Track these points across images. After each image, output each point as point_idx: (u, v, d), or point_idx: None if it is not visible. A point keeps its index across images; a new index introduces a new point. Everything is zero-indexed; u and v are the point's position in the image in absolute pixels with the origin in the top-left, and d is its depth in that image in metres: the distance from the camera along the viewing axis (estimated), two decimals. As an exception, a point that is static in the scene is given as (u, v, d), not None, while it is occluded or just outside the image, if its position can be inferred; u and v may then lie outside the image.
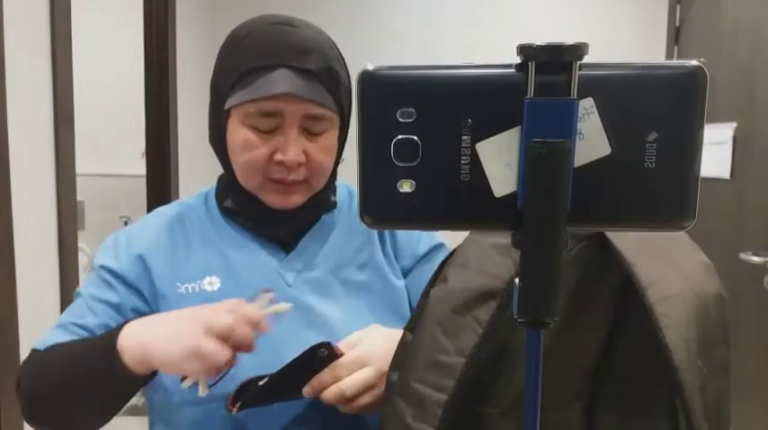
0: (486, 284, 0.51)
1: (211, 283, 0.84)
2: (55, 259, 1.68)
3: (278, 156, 0.81)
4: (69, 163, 1.71)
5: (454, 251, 0.59)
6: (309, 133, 0.82)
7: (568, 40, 0.32)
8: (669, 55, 2.42)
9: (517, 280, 0.34)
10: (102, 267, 0.86)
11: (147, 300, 0.85)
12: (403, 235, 0.94)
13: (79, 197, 1.79)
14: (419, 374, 0.52)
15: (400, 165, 0.34)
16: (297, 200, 0.85)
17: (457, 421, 0.52)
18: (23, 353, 1.54)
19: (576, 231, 0.41)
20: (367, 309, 0.87)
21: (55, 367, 0.76)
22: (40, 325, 1.64)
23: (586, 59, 0.32)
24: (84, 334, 0.81)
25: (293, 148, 0.80)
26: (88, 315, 0.82)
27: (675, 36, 2.38)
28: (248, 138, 0.81)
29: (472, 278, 0.53)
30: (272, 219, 0.87)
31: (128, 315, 0.83)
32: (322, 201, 0.89)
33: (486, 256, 0.53)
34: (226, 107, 0.82)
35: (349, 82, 0.87)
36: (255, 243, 0.88)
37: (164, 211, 0.93)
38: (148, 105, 2.40)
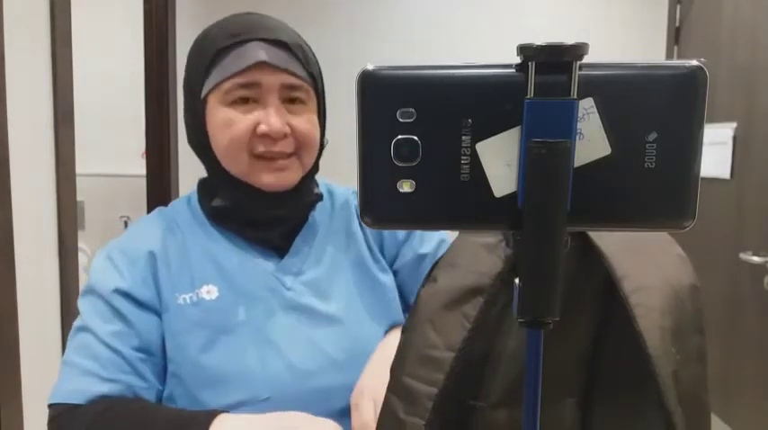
0: (473, 281, 0.52)
1: (209, 292, 0.81)
2: (55, 259, 1.68)
3: (261, 128, 0.78)
4: (69, 163, 1.70)
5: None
6: (291, 104, 0.80)
7: (568, 40, 0.32)
8: (669, 55, 2.42)
9: (517, 280, 0.34)
10: (115, 291, 0.79)
11: (160, 314, 0.81)
12: None
13: (79, 197, 1.79)
14: (410, 370, 0.53)
15: (400, 165, 0.34)
16: (290, 177, 0.83)
17: (447, 414, 0.52)
18: (23, 353, 1.54)
19: (575, 231, 0.41)
20: (362, 305, 0.87)
21: None
22: (40, 324, 1.65)
23: (586, 59, 0.32)
24: (126, 378, 0.77)
25: (276, 118, 0.78)
26: (113, 364, 0.76)
27: (675, 36, 2.38)
28: (228, 117, 0.79)
29: (461, 276, 0.54)
30: (263, 217, 0.85)
31: (155, 342, 0.79)
32: (307, 191, 0.88)
33: (474, 255, 0.54)
34: (203, 95, 0.80)
35: (318, 66, 0.86)
36: (248, 247, 0.86)
37: (150, 220, 0.89)
38: (148, 105, 2.40)
